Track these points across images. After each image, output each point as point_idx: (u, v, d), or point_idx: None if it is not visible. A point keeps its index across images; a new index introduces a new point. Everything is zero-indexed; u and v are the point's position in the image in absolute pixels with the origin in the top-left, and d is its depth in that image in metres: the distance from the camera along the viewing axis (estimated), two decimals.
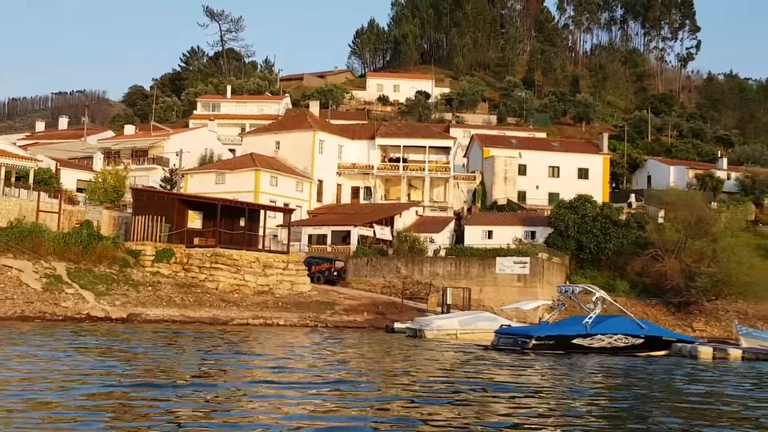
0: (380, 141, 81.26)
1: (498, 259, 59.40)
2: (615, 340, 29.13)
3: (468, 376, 18.99)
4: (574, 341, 28.55)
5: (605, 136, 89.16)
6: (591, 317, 29.14)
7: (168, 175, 73.28)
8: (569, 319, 31.93)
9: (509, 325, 34.84)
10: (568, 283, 33.04)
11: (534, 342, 27.96)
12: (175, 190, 65.26)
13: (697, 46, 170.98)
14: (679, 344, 30.03)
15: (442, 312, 44.99)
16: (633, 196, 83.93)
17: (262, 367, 20.12)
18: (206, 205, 52.29)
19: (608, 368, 23.12)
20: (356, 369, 20.14)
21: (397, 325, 42.33)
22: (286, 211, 55.69)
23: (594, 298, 30.15)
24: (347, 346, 29.44)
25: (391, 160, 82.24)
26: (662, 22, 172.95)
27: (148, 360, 20.89)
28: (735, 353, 28.83)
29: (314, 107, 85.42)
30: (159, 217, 50.52)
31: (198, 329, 37.49)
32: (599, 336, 28.90)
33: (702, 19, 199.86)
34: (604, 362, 25.22)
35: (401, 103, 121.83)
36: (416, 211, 75.28)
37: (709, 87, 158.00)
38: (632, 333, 29.53)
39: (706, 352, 28.64)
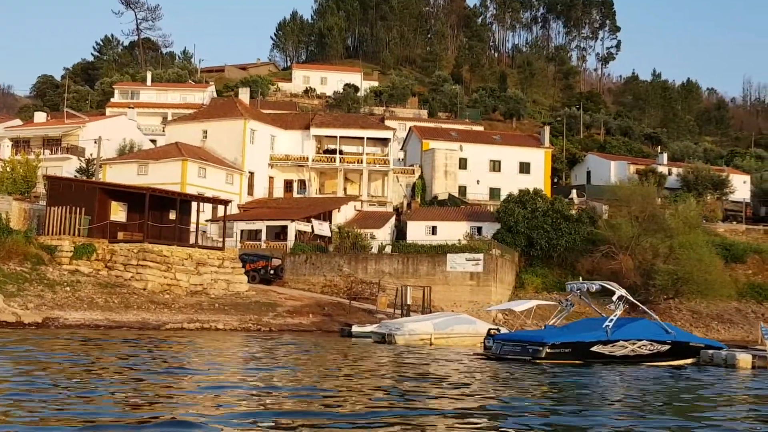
0: (315, 131, 76.26)
1: (449, 255, 55.44)
2: (639, 347, 25.11)
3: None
4: (594, 349, 24.42)
5: (547, 129, 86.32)
6: (612, 320, 25.05)
7: (84, 165, 67.34)
8: (583, 323, 27.78)
9: (498, 330, 30.63)
10: (581, 280, 28.43)
11: (548, 350, 23.72)
12: None
13: (617, 46, 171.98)
14: (710, 351, 26.25)
15: (402, 314, 40.54)
16: (574, 191, 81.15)
17: (211, 388, 15.33)
18: (132, 196, 46.68)
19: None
20: (351, 397, 15.40)
21: (355, 328, 37.62)
22: (222, 202, 50.50)
23: (615, 298, 26.06)
24: (314, 359, 24.71)
25: (326, 151, 77.47)
26: (583, 22, 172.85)
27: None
28: None
29: (244, 95, 79.88)
30: (78, 209, 44.77)
31: (125, 335, 32.23)
32: (621, 342, 24.82)
33: (622, 20, 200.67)
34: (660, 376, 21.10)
35: (329, 96, 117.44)
36: (354, 206, 70.77)
37: (632, 86, 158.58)
38: (658, 338, 25.50)
39: (745, 360, 24.84)
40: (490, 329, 30.19)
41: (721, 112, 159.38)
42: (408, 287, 43.92)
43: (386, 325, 34.65)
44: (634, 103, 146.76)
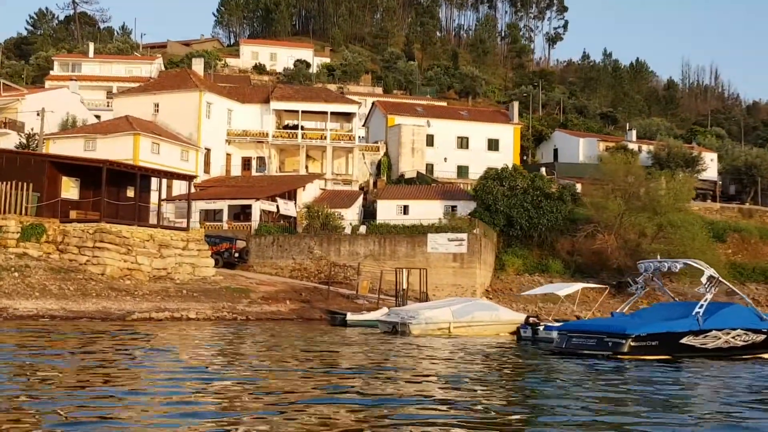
0: (276, 105, 71.20)
1: (430, 236, 51.55)
2: (734, 337, 21.37)
3: None
4: (684, 340, 20.63)
5: (515, 104, 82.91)
6: (702, 305, 21.28)
7: (25, 140, 61.84)
8: (661, 309, 23.86)
9: (537, 318, 26.78)
10: (659, 258, 24.08)
11: (632, 343, 19.81)
12: None
13: (565, 26, 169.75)
14: None
15: (396, 301, 36.51)
16: (543, 169, 77.90)
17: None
18: (86, 170, 41.66)
19: None
20: None
21: (351, 316, 33.44)
22: (187, 177, 45.70)
23: (704, 278, 22.24)
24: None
25: (286, 127, 72.65)
26: (531, 2, 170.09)
27: None
28: None
29: (197, 65, 74.39)
30: (24, 185, 39.62)
31: (86, 327, 27.55)
32: (714, 332, 21.01)
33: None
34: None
35: (279, 73, 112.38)
36: (319, 185, 66.36)
37: (584, 66, 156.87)
38: (753, 327, 21.84)
39: None
40: (528, 317, 26.36)
41: (671, 92, 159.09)
42: (404, 270, 39.80)
43: (397, 312, 30.47)
44: (584, 83, 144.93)
